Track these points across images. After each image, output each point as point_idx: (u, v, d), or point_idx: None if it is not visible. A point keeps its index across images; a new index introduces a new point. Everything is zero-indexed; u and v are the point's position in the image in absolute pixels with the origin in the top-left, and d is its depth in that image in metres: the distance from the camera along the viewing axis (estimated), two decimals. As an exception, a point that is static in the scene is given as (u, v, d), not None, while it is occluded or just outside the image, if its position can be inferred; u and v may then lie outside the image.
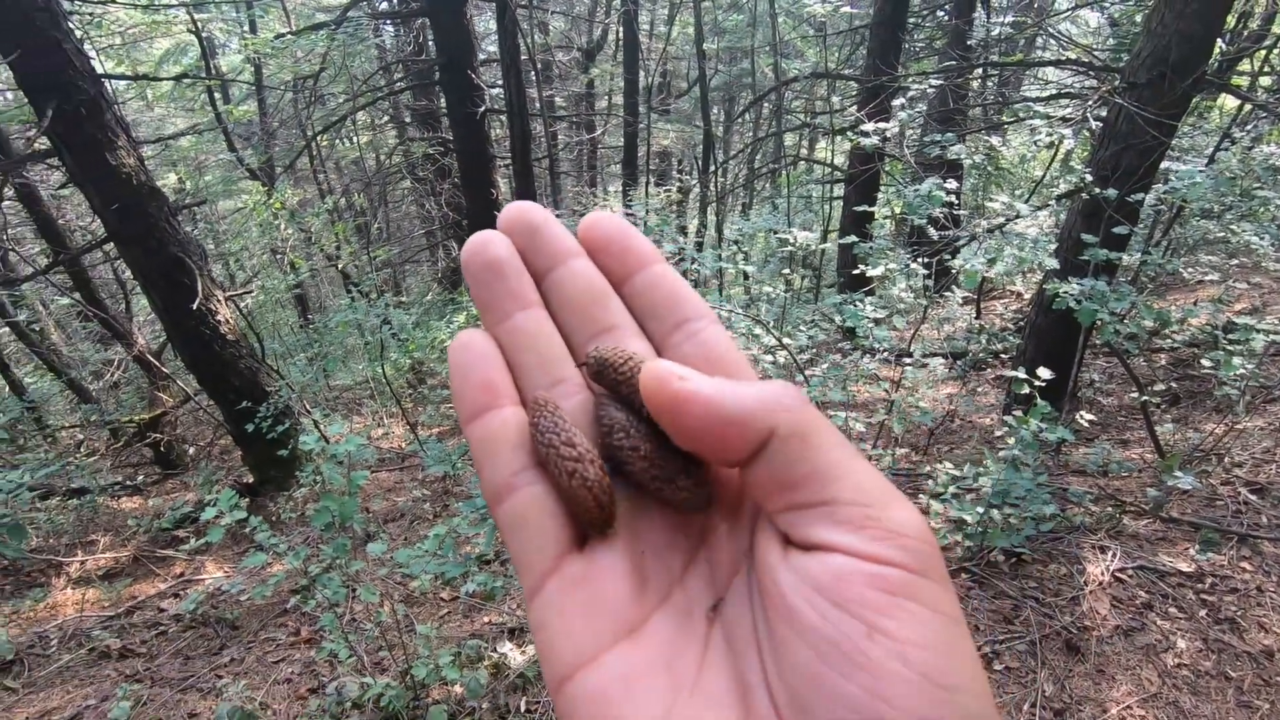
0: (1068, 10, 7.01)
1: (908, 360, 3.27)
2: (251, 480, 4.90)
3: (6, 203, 7.07)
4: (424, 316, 10.69)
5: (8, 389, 7.41)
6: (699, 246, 8.24)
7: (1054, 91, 5.42)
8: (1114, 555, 2.70)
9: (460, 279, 10.25)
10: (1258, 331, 2.66)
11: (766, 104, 12.26)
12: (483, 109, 6.06)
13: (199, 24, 7.37)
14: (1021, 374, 2.55)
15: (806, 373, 3.36)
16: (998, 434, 2.59)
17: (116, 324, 6.58)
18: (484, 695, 2.12)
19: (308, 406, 6.61)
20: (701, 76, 9.00)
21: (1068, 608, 2.46)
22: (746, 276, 6.48)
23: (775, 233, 5.42)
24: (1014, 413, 2.45)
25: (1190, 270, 5.94)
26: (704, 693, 0.24)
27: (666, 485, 0.27)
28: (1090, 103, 3.14)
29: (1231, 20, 6.04)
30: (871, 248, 3.23)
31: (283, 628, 3.10)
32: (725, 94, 15.28)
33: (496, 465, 0.28)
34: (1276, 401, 3.95)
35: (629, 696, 0.24)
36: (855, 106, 7.79)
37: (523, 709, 2.16)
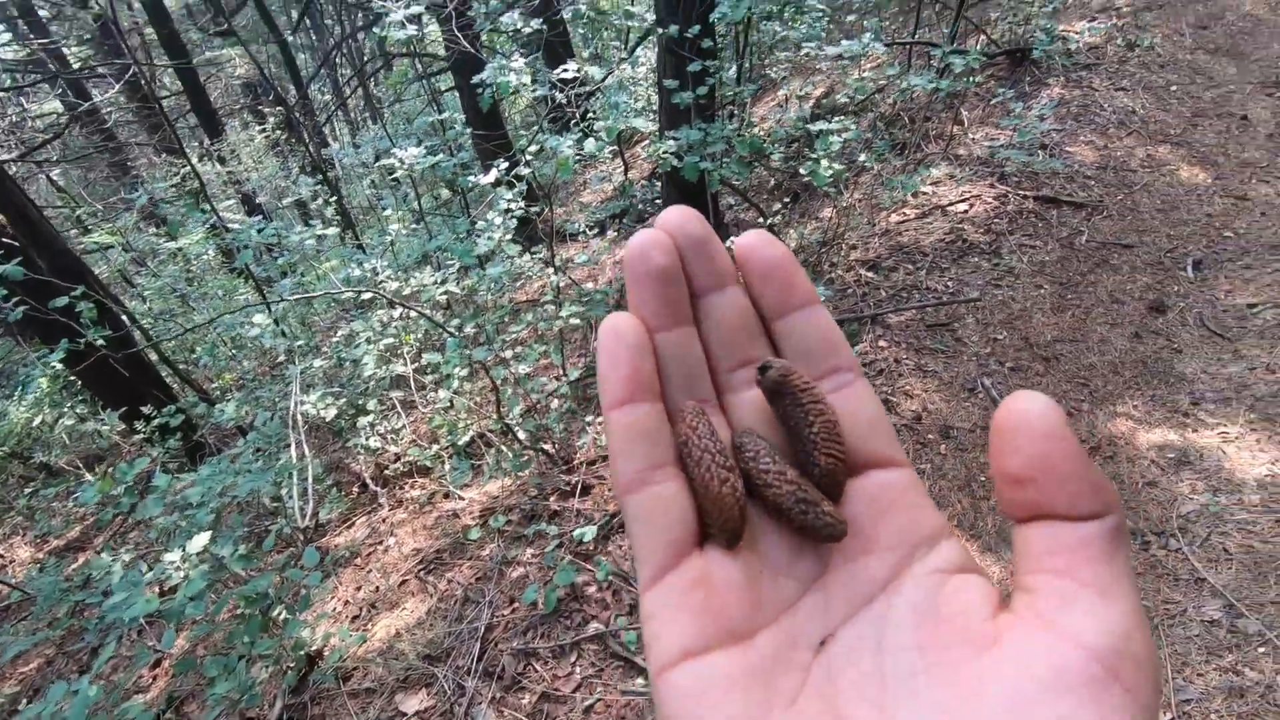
0: None
1: (553, 276, 2.98)
2: None
3: None
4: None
5: None
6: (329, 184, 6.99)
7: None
8: (788, 383, 2.86)
9: None
10: (831, 135, 2.79)
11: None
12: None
13: None
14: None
15: (469, 327, 2.92)
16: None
17: None
18: None
19: None
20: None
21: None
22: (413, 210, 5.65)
23: (384, 157, 4.65)
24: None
25: (774, 71, 6.47)
26: (798, 715, 0.25)
27: (810, 509, 0.28)
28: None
29: None
30: (462, 160, 2.77)
31: None
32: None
33: (634, 456, 0.29)
34: (862, 174, 4.47)
35: (728, 694, 0.25)
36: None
37: None
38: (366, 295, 3.42)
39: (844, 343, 0.32)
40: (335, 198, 5.38)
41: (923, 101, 5.17)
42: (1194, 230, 3.45)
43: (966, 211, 3.64)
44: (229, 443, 4.62)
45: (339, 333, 3.89)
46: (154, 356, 4.57)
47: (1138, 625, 0.23)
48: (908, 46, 5.16)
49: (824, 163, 2.94)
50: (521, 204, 2.93)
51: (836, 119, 3.06)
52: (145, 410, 3.74)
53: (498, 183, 3.09)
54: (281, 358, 3.82)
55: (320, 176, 5.88)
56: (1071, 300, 3.13)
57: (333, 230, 3.64)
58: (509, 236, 3.05)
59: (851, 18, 5.28)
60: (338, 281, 3.19)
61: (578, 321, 2.94)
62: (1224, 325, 2.89)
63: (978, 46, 4.94)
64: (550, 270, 2.97)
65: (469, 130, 3.65)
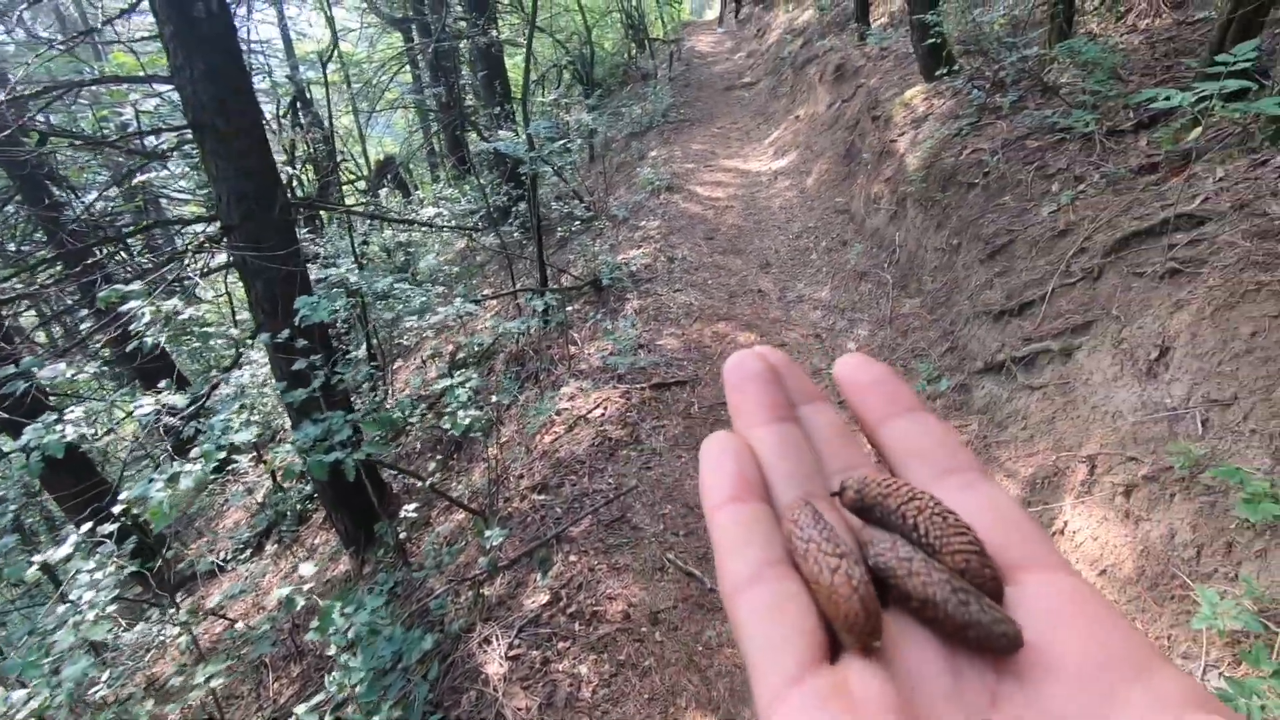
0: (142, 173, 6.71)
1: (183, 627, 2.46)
2: None
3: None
4: None
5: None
6: None
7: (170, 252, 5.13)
8: (498, 638, 2.70)
9: None
10: (456, 388, 2.97)
11: None
12: None
13: None
14: (291, 589, 2.17)
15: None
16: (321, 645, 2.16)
17: None
18: None
19: None
20: None
21: (497, 732, 2.30)
22: None
23: None
24: (337, 617, 2.05)
25: (404, 340, 6.83)
26: None
27: (974, 601, 0.22)
28: (189, 261, 2.86)
29: (284, 153, 6.93)
30: (5, 546, 2.23)
31: None
32: None
33: (744, 554, 0.25)
34: (512, 407, 4.78)
35: None
36: None
37: None
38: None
39: (963, 446, 0.29)
40: None
41: (538, 336, 5.90)
42: (763, 377, 4.41)
43: (603, 414, 4.11)
44: None
45: None
46: None
47: None
48: (513, 295, 5.93)
49: (460, 413, 3.09)
50: (126, 564, 2.41)
51: (459, 372, 3.29)
52: None
53: (82, 550, 2.53)
54: None
55: None
56: (707, 459, 3.66)
57: None
58: (111, 608, 2.46)
59: (440, 288, 5.91)
60: None
61: (233, 675, 2.41)
62: (810, 440, 3.65)
63: (563, 283, 5.92)
64: (178, 630, 2.43)
65: (40, 496, 2.98)
